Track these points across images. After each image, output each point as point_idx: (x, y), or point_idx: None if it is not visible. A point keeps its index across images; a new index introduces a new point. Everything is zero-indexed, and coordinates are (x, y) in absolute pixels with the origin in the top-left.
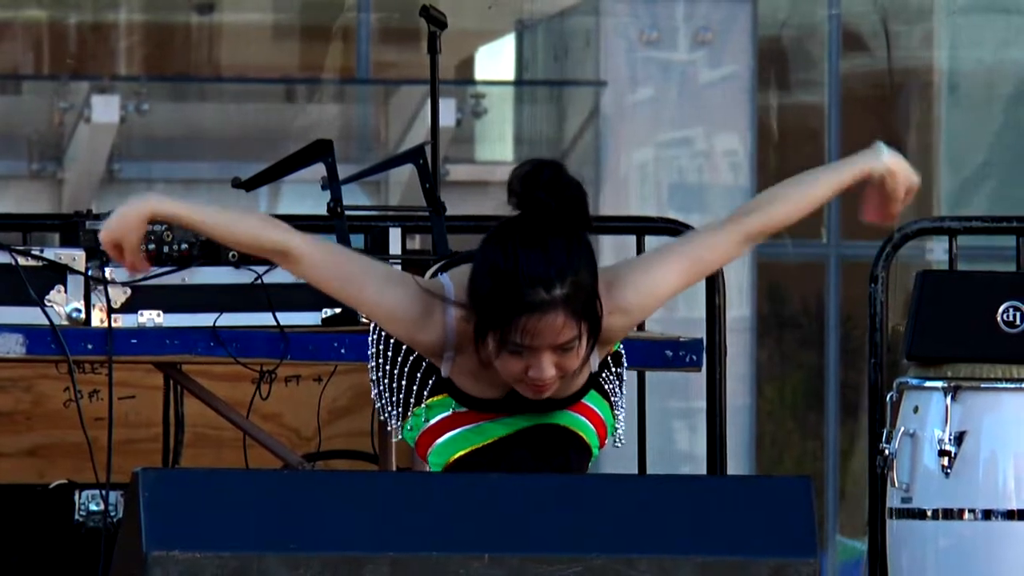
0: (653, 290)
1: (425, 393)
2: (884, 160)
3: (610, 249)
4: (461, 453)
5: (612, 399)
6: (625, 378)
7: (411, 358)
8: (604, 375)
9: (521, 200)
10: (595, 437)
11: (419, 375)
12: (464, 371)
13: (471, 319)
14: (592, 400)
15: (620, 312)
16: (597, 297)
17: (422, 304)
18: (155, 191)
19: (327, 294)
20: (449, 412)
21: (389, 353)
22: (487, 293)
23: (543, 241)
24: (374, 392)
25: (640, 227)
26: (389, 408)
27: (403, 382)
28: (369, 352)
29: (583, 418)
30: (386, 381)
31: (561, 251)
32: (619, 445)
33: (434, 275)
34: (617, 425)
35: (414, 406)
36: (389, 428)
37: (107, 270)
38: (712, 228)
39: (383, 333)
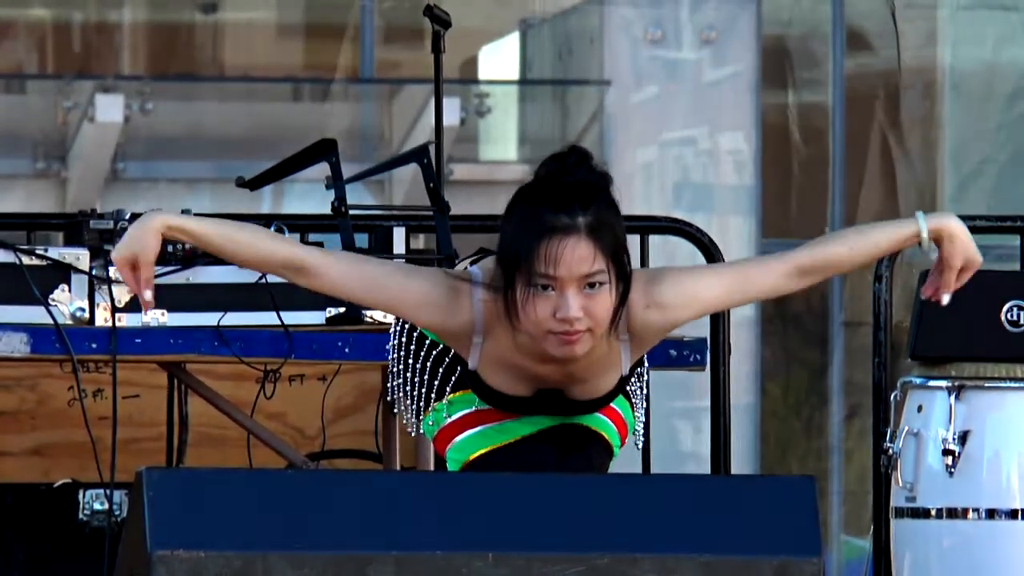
0: (693, 293)
1: (448, 388)
2: (941, 222)
3: None
4: (482, 451)
5: (633, 400)
6: (646, 376)
7: (434, 352)
8: (632, 377)
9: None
10: (616, 437)
11: (441, 370)
12: (492, 361)
13: (499, 289)
14: (615, 400)
15: (657, 307)
16: (625, 248)
17: (447, 289)
18: (163, 212)
19: (351, 302)
20: (471, 409)
21: (412, 347)
22: (513, 229)
23: (567, 181)
24: (393, 383)
25: (645, 226)
26: (409, 402)
27: (425, 376)
28: (390, 344)
29: (605, 418)
30: (407, 374)
31: (585, 188)
32: (638, 446)
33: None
34: (637, 426)
35: (435, 400)
36: (405, 422)
37: (111, 269)
38: (768, 256)
39: (406, 326)
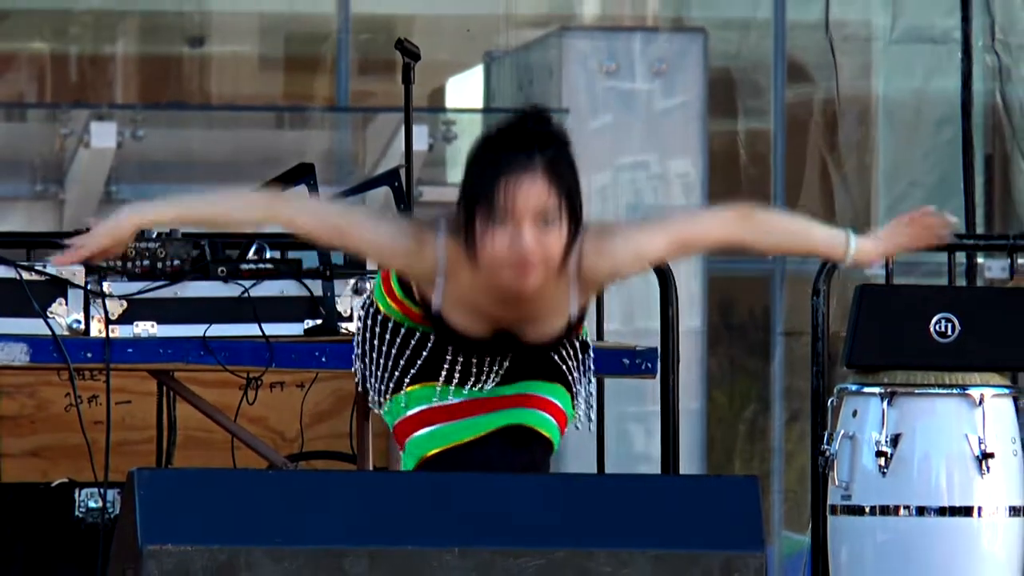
0: (640, 248)
1: (407, 380)
2: (861, 259)
3: None
4: (436, 451)
5: (576, 388)
6: (592, 367)
7: (397, 340)
8: (572, 363)
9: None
10: (557, 432)
11: (403, 361)
12: (454, 301)
13: (461, 228)
14: (555, 394)
15: (607, 258)
16: (579, 192)
17: (413, 233)
18: (134, 211)
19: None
20: (427, 406)
21: (377, 328)
22: (474, 168)
23: (528, 127)
24: (358, 364)
25: None
26: (373, 382)
27: (390, 360)
28: (355, 326)
29: (547, 415)
30: (373, 354)
31: (544, 134)
32: (579, 427)
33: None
34: (578, 412)
35: (395, 391)
36: (370, 401)
37: (105, 284)
38: (712, 216)
39: (371, 308)
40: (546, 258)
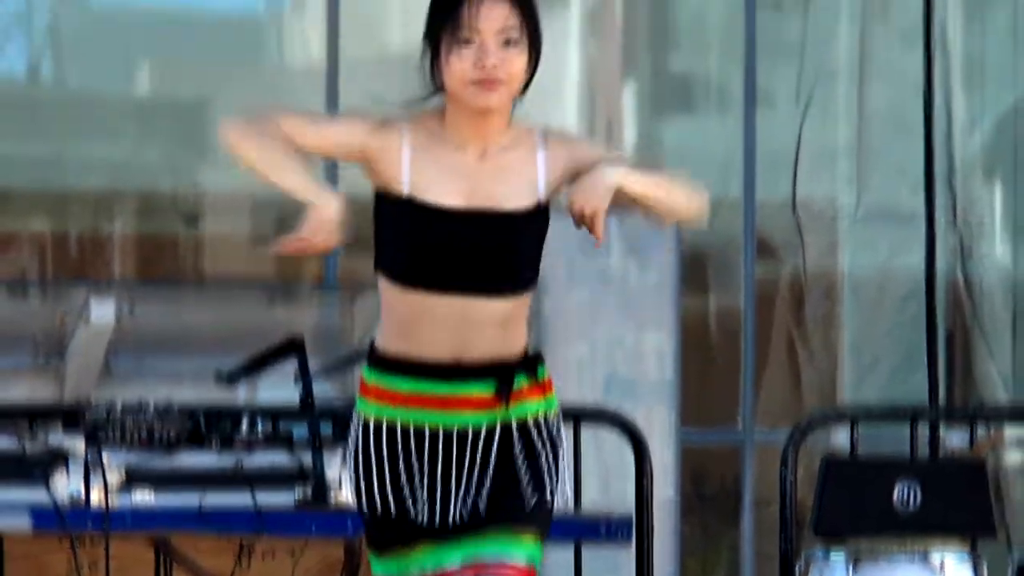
0: (598, 153)
1: (386, 547)
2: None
3: None
4: None
5: (548, 486)
6: (563, 442)
7: (383, 443)
8: (549, 460)
9: None
10: None
11: (381, 476)
12: (424, 172)
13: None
14: (522, 548)
15: (570, 143)
16: (539, 21)
17: (378, 120)
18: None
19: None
20: None
21: (363, 448)
22: (438, 2)
23: None
24: (349, 474)
25: (577, 415)
26: (363, 484)
27: (380, 472)
28: (347, 458)
29: None
30: (362, 475)
31: None
32: (567, 496)
33: None
34: (564, 486)
35: (379, 547)
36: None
37: (104, 455)
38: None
39: (359, 425)
40: (509, 77)
